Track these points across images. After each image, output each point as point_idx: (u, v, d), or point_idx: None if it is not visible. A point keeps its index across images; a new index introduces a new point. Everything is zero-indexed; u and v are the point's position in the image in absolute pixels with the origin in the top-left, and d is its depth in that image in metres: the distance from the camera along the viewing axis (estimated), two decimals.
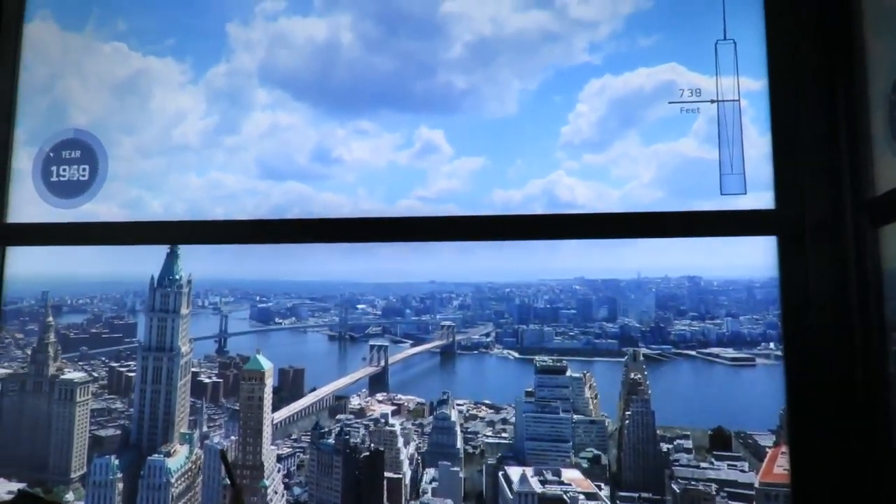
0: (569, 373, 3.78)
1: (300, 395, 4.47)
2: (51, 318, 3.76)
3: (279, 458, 4.55)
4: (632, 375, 3.73)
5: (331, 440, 4.03)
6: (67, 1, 2.83)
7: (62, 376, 3.57)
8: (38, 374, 3.54)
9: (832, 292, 1.91)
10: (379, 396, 4.64)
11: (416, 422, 4.52)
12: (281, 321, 5.21)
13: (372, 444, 3.96)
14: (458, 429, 3.97)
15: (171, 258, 3.72)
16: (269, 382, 3.92)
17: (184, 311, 3.83)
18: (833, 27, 2.03)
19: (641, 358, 3.73)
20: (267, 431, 3.89)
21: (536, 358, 3.92)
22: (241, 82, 2.71)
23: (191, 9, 2.81)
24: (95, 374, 4.07)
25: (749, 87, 2.24)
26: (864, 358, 1.84)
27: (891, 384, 1.78)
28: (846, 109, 1.98)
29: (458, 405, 4.27)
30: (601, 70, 2.56)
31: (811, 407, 1.91)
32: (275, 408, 4.24)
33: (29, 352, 3.71)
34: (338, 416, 4.83)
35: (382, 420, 4.07)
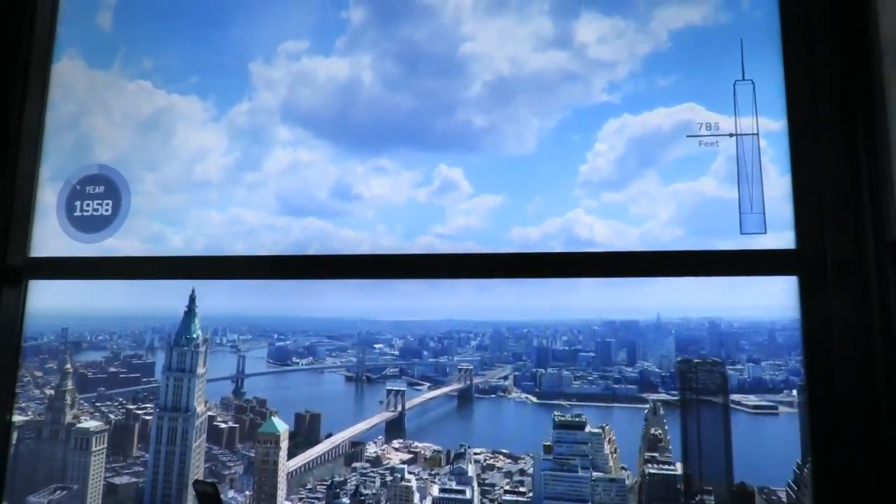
0: (588, 428, 3.70)
1: (316, 441, 4.41)
2: (69, 366, 3.75)
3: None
4: (652, 431, 3.65)
5: (345, 500, 3.96)
6: (95, 39, 2.91)
7: (78, 425, 3.55)
8: (55, 421, 3.53)
9: (855, 332, 1.88)
10: (395, 443, 4.56)
11: (433, 471, 4.45)
12: (298, 360, 5.18)
13: (387, 503, 3.91)
14: (475, 484, 3.90)
15: (189, 316, 3.71)
16: (285, 446, 3.86)
17: (200, 370, 3.80)
18: (851, 64, 2.03)
19: (662, 412, 3.64)
20: (281, 495, 3.83)
21: (556, 413, 3.85)
22: (262, 120, 2.76)
23: (214, 48, 2.87)
24: (112, 416, 4.04)
25: (768, 126, 2.24)
26: (889, 399, 1.80)
27: None
28: (867, 148, 1.97)
29: (476, 454, 4.19)
30: (620, 109, 2.57)
31: (835, 450, 1.86)
32: (290, 454, 4.18)
33: (48, 391, 3.71)
34: (353, 465, 4.78)
35: (398, 475, 3.99)
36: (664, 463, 3.47)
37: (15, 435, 2.92)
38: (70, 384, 3.57)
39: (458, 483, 3.89)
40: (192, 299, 3.69)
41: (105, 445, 3.54)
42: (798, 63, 2.12)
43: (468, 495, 3.96)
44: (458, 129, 2.83)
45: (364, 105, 2.86)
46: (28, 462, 3.39)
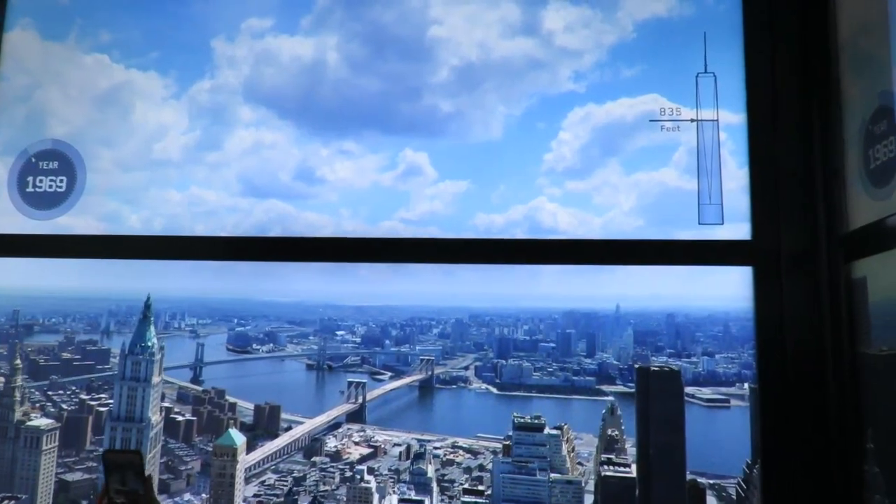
0: (547, 430, 3.73)
1: (275, 433, 4.36)
2: (18, 361, 3.64)
3: None
4: (609, 432, 3.69)
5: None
6: (49, 10, 2.82)
7: (28, 423, 3.43)
8: (3, 419, 3.41)
9: (806, 323, 1.93)
10: (356, 437, 4.55)
11: (393, 468, 4.42)
12: (259, 347, 5.12)
13: None
14: (434, 485, 3.91)
15: (144, 324, 3.62)
16: (241, 458, 3.80)
17: (155, 379, 3.71)
18: (811, 64, 2.07)
19: (619, 413, 3.70)
20: None
21: (515, 415, 3.88)
22: (224, 99, 2.71)
23: (176, 22, 2.81)
24: (65, 407, 3.93)
25: (729, 119, 2.28)
26: (837, 385, 1.86)
27: (863, 415, 1.79)
28: (822, 145, 2.01)
29: (436, 448, 4.20)
30: (585, 98, 2.58)
31: (784, 441, 1.91)
32: (249, 447, 4.14)
33: None
34: (313, 459, 4.72)
35: (358, 477, 3.99)
36: (620, 465, 3.54)
37: None
38: (19, 380, 3.47)
39: (417, 486, 3.91)
40: (148, 306, 3.62)
41: (56, 444, 3.45)
42: (759, 58, 2.15)
43: (430, 473, 3.98)
44: (424, 113, 2.82)
45: (329, 86, 2.83)
46: None
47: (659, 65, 2.44)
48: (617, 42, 2.56)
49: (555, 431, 3.76)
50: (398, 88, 2.80)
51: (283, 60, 2.82)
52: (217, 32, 2.77)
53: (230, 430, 3.81)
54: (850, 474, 1.81)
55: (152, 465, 3.69)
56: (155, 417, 3.58)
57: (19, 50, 2.72)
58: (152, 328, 3.50)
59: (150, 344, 3.43)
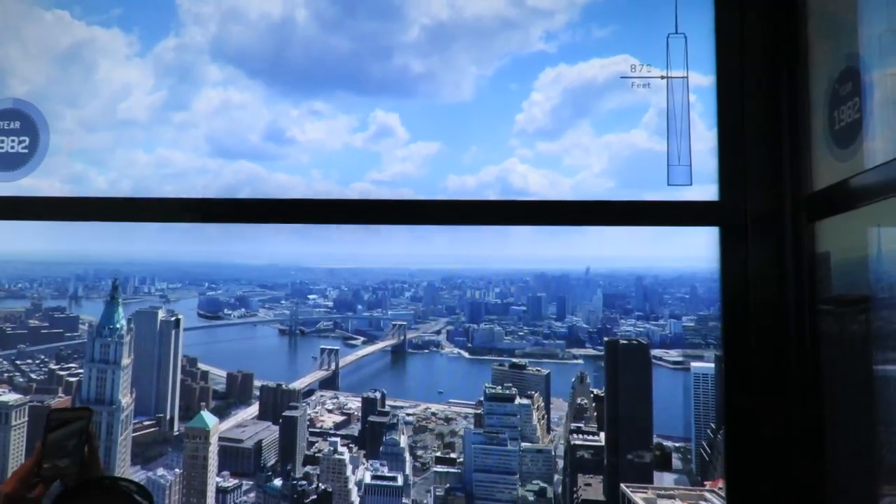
0: (518, 400, 3.77)
1: (248, 401, 4.35)
2: None
3: (223, 491, 4.32)
4: (578, 400, 3.75)
5: (277, 482, 3.93)
6: None
7: None
8: None
9: (770, 281, 1.98)
10: (329, 405, 4.57)
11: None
12: (230, 312, 5.09)
13: (321, 485, 3.85)
14: (407, 455, 3.95)
15: (112, 306, 3.56)
16: (215, 440, 3.77)
17: (125, 361, 3.65)
18: (779, 27, 2.09)
19: (589, 381, 3.76)
20: (211, 491, 3.73)
21: (487, 385, 3.91)
22: (191, 57, 2.65)
23: None
24: (34, 377, 3.86)
25: (699, 81, 2.29)
26: (799, 343, 1.92)
27: (822, 372, 1.86)
28: (789, 108, 2.04)
29: (409, 415, 4.24)
30: (556, 59, 2.58)
31: (746, 402, 1.98)
32: (221, 414, 4.12)
33: None
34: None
35: (331, 448, 4.00)
36: (589, 433, 3.62)
37: None
38: None
39: (390, 457, 3.94)
40: (115, 287, 3.56)
41: (26, 419, 3.39)
42: (730, 20, 2.16)
43: (399, 482, 4.02)
44: (395, 73, 2.79)
45: (299, 45, 2.78)
46: None
47: (630, 25, 2.43)
48: (589, 2, 2.55)
49: (525, 401, 3.82)
50: (369, 48, 2.77)
51: (251, 18, 2.77)
52: None
53: (202, 412, 3.78)
54: (809, 431, 1.88)
55: (124, 448, 3.66)
56: (125, 400, 3.53)
57: None
58: (121, 309, 3.46)
59: (118, 326, 3.38)
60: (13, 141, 2.55)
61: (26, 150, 2.55)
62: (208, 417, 3.68)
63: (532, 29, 2.46)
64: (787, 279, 1.97)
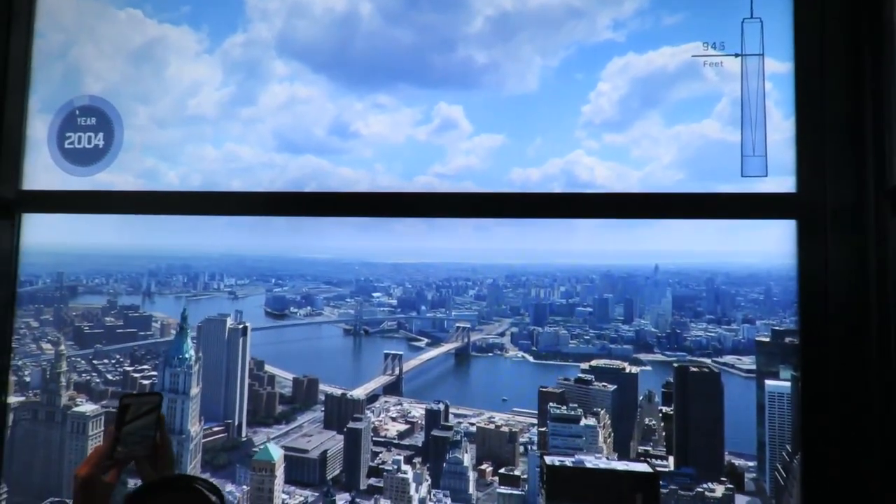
0: (583, 421, 3.71)
1: (312, 406, 4.43)
2: (63, 347, 3.71)
3: None
4: (646, 420, 3.66)
5: (341, 500, 3.98)
6: None
7: (74, 408, 3.51)
8: (50, 403, 3.49)
9: (851, 279, 1.88)
10: (392, 412, 4.58)
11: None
12: (296, 311, 5.16)
13: (384, 501, 3.90)
14: (470, 474, 3.92)
15: (181, 336, 3.66)
16: (280, 473, 3.85)
17: (193, 391, 3.75)
18: (863, 9, 1.97)
19: (657, 399, 3.66)
20: None
21: (551, 405, 3.84)
22: (258, 53, 2.69)
23: None
24: (110, 377, 4.02)
25: (775, 68, 2.19)
26: (881, 355, 1.81)
27: None
28: (873, 95, 1.93)
29: (471, 425, 4.21)
30: (624, 48, 2.50)
31: (825, 411, 1.88)
32: (287, 419, 4.20)
33: (44, 345, 3.68)
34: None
35: (395, 467, 4.01)
36: (657, 457, 3.51)
37: (11, 417, 2.92)
38: (65, 366, 3.55)
39: (452, 477, 3.91)
40: (184, 318, 3.65)
41: (102, 428, 3.52)
42: (808, 2, 2.06)
43: (466, 462, 3.99)
44: (458, 65, 2.77)
45: (362, 39, 2.79)
46: (25, 445, 3.39)
47: (702, 11, 2.34)
48: None
49: (591, 422, 3.74)
50: (432, 40, 2.75)
51: (315, 12, 2.79)
52: None
53: (268, 444, 3.86)
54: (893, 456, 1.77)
55: (193, 472, 3.77)
56: (194, 429, 3.64)
57: (54, 6, 2.72)
58: (189, 340, 3.57)
59: (187, 356, 3.49)
60: (90, 136, 2.64)
61: (102, 146, 2.64)
62: (273, 450, 3.76)
63: (599, 17, 2.40)
64: (869, 276, 1.87)
